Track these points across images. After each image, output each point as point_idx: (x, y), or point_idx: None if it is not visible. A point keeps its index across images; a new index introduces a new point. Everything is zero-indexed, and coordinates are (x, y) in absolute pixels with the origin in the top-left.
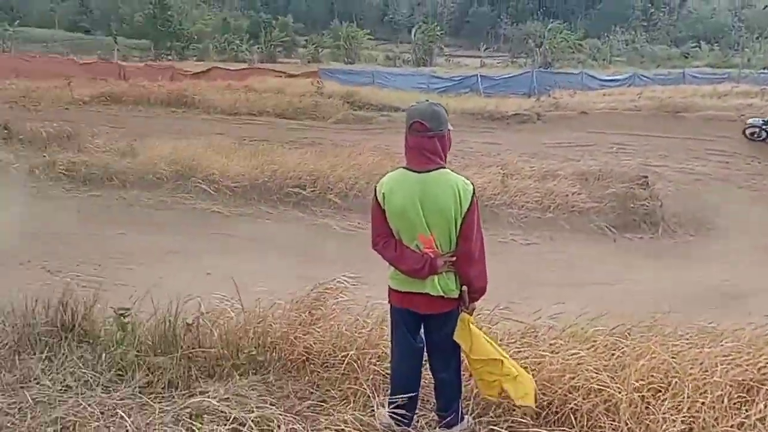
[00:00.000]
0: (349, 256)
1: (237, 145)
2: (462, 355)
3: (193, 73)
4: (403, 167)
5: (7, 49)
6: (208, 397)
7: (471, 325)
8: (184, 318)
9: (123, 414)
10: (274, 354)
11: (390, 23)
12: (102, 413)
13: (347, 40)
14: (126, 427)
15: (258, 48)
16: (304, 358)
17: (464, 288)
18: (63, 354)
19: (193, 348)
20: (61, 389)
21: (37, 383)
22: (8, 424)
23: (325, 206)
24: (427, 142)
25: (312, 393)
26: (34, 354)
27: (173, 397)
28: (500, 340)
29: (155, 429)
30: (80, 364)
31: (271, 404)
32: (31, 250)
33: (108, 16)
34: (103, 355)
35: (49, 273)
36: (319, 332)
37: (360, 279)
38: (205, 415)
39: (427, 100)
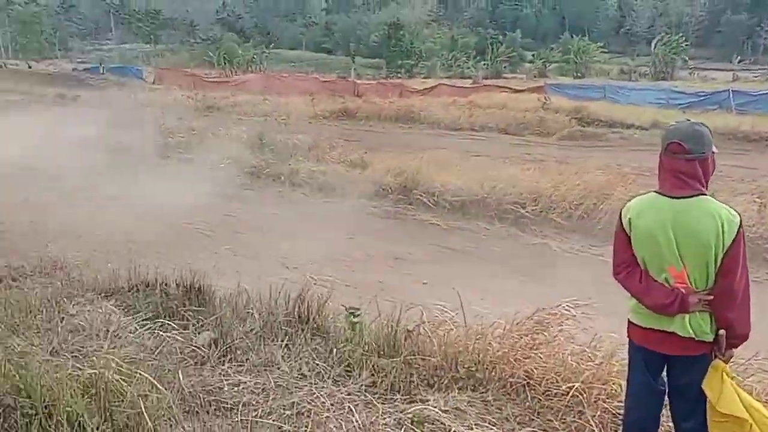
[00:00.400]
0: (569, 280)
1: (459, 159)
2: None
3: (420, 90)
4: (655, 191)
5: (263, 69)
6: (430, 406)
7: (725, 374)
8: (405, 324)
9: (351, 408)
10: (493, 373)
11: (626, 35)
12: (332, 405)
13: (577, 53)
14: (353, 421)
15: (484, 64)
16: (525, 382)
17: (721, 332)
18: (299, 344)
19: (413, 354)
20: (297, 376)
21: (278, 368)
22: (253, 402)
23: (545, 226)
24: (684, 165)
25: (532, 420)
26: (275, 341)
27: (395, 400)
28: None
29: (379, 429)
30: (314, 356)
31: (490, 423)
32: (271, 247)
33: (348, 37)
34: (334, 350)
35: (287, 269)
36: (541, 358)
37: (585, 306)
38: (426, 424)
39: (688, 120)
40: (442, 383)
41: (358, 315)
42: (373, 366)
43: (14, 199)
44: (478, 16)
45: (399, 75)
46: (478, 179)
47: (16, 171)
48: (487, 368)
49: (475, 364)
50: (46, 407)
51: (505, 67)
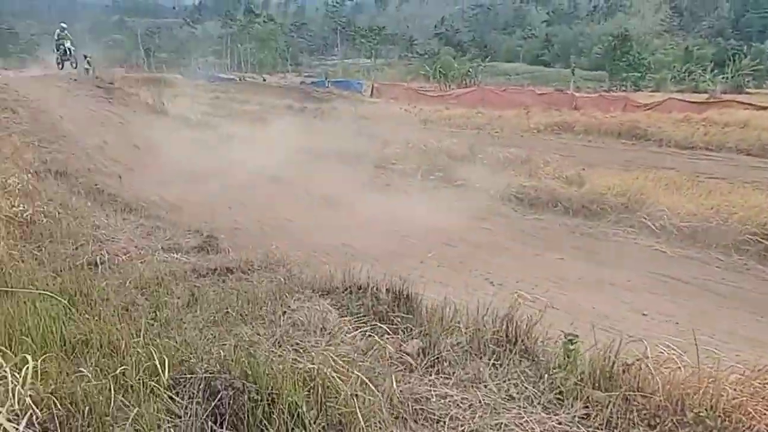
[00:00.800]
0: None
1: (690, 181)
2: None
3: (647, 104)
4: None
5: (478, 82)
6: None
7: None
8: (623, 357)
9: None
10: (727, 422)
11: None
12: None
13: None
14: None
15: (723, 78)
16: None
17: None
18: (507, 364)
19: (632, 390)
20: (505, 397)
21: (485, 386)
22: (460, 417)
23: None
24: None
25: None
26: (482, 358)
27: None
28: None
29: None
30: (522, 378)
31: None
32: (479, 261)
33: (568, 49)
34: (545, 375)
35: (492, 285)
36: None
37: None
38: None
39: None
40: (665, 426)
41: (575, 342)
42: (587, 397)
43: (246, 200)
44: (719, 26)
45: (623, 88)
46: (713, 204)
47: (248, 174)
48: (719, 416)
49: (706, 409)
50: (269, 394)
51: (748, 81)
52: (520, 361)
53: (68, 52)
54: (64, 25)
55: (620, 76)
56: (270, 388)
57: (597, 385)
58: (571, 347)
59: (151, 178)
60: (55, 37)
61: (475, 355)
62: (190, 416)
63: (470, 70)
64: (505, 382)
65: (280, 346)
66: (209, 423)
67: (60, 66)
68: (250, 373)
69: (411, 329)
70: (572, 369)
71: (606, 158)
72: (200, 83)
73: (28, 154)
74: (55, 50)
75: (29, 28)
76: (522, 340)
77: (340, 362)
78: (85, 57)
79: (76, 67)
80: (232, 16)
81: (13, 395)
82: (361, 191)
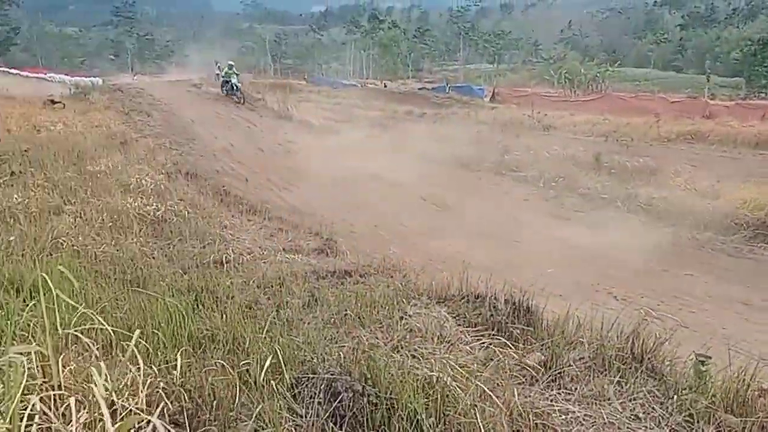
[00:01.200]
0: None
1: None
2: None
3: None
4: None
5: (605, 87)
6: None
7: None
8: (759, 381)
9: None
10: None
11: None
12: None
13: None
14: None
15: None
16: None
17: None
18: (632, 383)
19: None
20: (630, 416)
21: (609, 404)
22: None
23: None
24: None
25: None
26: (606, 375)
27: None
28: None
29: None
30: (649, 398)
31: None
32: (599, 274)
33: (703, 55)
34: (674, 396)
35: (615, 299)
36: None
37: None
38: None
39: None
40: None
41: (708, 363)
42: (719, 422)
43: (364, 204)
44: None
45: (762, 96)
46: None
47: (366, 179)
48: None
49: None
50: (388, 399)
51: None
52: (647, 380)
53: (234, 88)
54: (231, 63)
55: (759, 83)
56: (389, 392)
57: (730, 409)
58: (703, 368)
59: (274, 180)
60: (222, 73)
61: (599, 371)
62: (311, 416)
63: (597, 75)
64: (630, 401)
65: (398, 352)
66: (330, 424)
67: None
68: (369, 376)
69: (531, 341)
70: (703, 391)
71: (742, 170)
72: (323, 89)
73: (160, 155)
74: (221, 86)
75: (165, 35)
76: (649, 359)
77: (460, 371)
78: (216, 63)
79: (243, 103)
80: (356, 22)
81: (147, 386)
82: (479, 198)
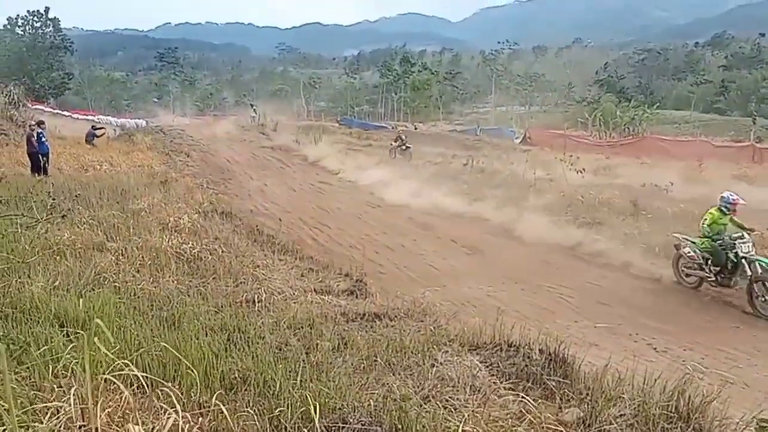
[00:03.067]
0: None
1: None
2: None
3: None
4: None
5: (643, 130)
6: None
7: None
8: None
9: None
10: None
11: None
12: None
13: None
14: None
15: None
16: None
17: None
18: None
19: None
20: None
21: None
22: None
23: None
24: None
25: None
26: None
27: None
28: None
29: None
30: None
31: None
32: (639, 325)
33: (747, 96)
34: None
35: (655, 351)
36: None
37: None
38: None
39: None
40: None
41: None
42: None
43: (393, 245)
44: None
45: None
46: None
47: (396, 219)
48: None
49: None
50: None
51: None
52: None
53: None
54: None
55: None
56: None
57: None
58: None
59: (305, 220)
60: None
61: (642, 430)
62: None
63: (634, 117)
64: None
65: (429, 402)
66: None
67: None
68: (400, 427)
69: (568, 395)
70: None
71: None
72: (355, 131)
73: (198, 194)
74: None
75: (205, 78)
76: (696, 418)
77: (493, 426)
78: (252, 106)
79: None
80: (389, 66)
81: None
82: (512, 241)
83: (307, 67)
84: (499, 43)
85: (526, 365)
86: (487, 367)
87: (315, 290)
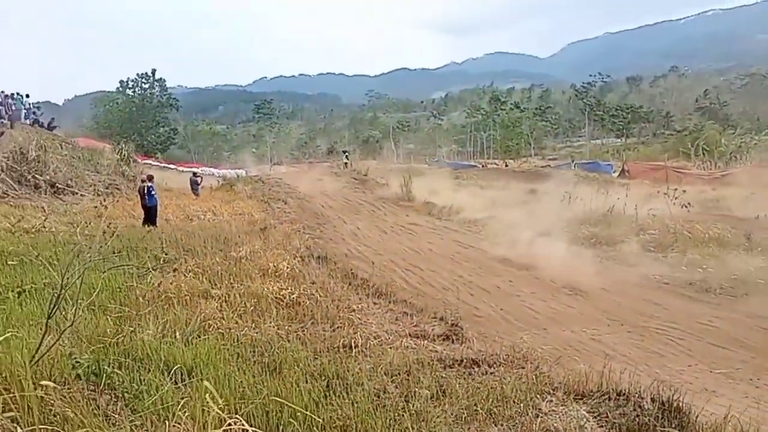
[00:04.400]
0: None
1: None
2: None
3: None
4: None
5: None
6: None
7: None
8: None
9: None
10: None
11: None
12: None
13: None
14: None
15: None
16: None
17: None
18: None
19: None
20: None
21: None
22: None
23: None
24: None
25: None
26: None
27: None
28: None
29: None
30: None
31: None
32: (759, 368)
33: None
34: None
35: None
36: None
37: None
38: None
39: None
40: None
41: None
42: None
43: (488, 286)
44: None
45: None
46: None
47: (488, 258)
48: None
49: None
50: None
51: None
52: None
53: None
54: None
55: None
56: None
57: None
58: None
59: (397, 262)
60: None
61: None
62: None
63: (741, 145)
64: None
65: None
66: None
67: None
68: None
69: None
70: None
71: None
72: (444, 171)
73: (295, 240)
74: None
75: (299, 128)
76: None
77: None
78: (344, 152)
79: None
80: (477, 105)
81: None
82: (615, 281)
83: (395, 112)
84: (590, 75)
85: (638, 415)
86: (596, 417)
87: (410, 335)
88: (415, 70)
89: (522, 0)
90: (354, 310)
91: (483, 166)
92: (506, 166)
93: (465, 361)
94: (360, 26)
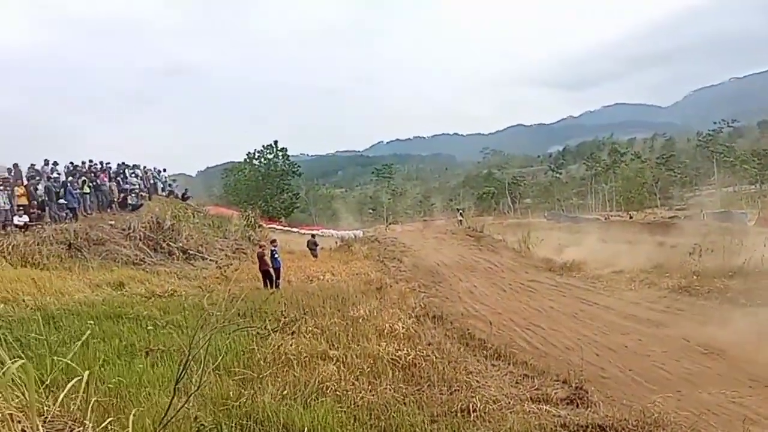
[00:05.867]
0: None
1: None
2: None
3: None
4: None
5: None
6: None
7: None
8: None
9: None
10: None
11: None
12: None
13: None
14: None
15: None
16: None
17: None
18: None
19: None
20: None
21: None
22: None
23: None
24: None
25: None
26: None
27: None
28: None
29: None
30: None
31: None
32: None
33: None
34: None
35: None
36: None
37: None
38: None
39: None
40: None
41: None
42: None
43: (613, 345)
44: None
45: None
46: None
47: (613, 315)
48: None
49: None
50: None
51: None
52: None
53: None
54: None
55: None
56: None
57: None
58: None
59: (517, 321)
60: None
61: None
62: None
63: None
64: None
65: None
66: None
67: None
68: None
69: None
70: None
71: None
72: (564, 225)
73: (410, 299)
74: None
75: (414, 188)
76: None
77: None
78: (458, 210)
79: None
80: (596, 157)
81: None
82: (754, 337)
83: (511, 167)
84: (714, 123)
85: None
86: None
87: (531, 399)
88: (531, 125)
89: (638, 51)
90: (471, 372)
91: (606, 218)
92: (630, 218)
93: (591, 427)
94: (473, 85)
